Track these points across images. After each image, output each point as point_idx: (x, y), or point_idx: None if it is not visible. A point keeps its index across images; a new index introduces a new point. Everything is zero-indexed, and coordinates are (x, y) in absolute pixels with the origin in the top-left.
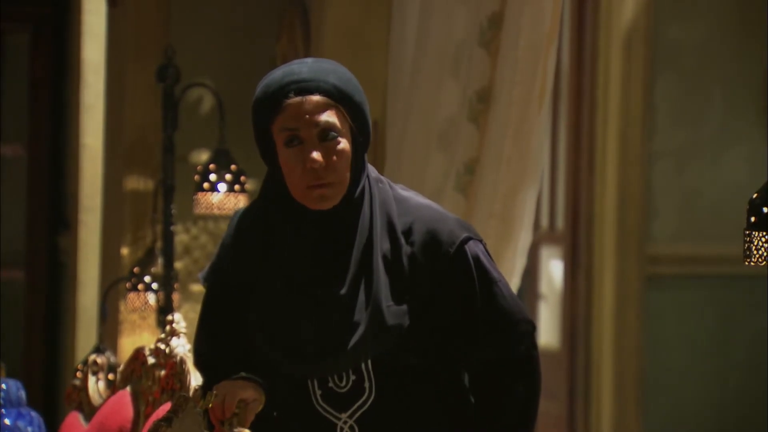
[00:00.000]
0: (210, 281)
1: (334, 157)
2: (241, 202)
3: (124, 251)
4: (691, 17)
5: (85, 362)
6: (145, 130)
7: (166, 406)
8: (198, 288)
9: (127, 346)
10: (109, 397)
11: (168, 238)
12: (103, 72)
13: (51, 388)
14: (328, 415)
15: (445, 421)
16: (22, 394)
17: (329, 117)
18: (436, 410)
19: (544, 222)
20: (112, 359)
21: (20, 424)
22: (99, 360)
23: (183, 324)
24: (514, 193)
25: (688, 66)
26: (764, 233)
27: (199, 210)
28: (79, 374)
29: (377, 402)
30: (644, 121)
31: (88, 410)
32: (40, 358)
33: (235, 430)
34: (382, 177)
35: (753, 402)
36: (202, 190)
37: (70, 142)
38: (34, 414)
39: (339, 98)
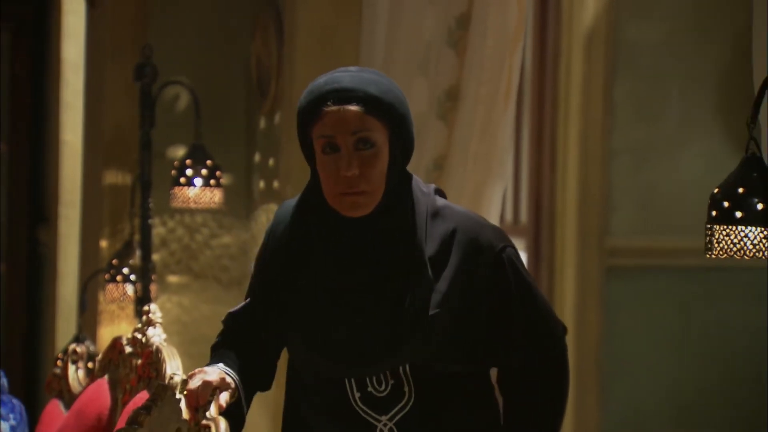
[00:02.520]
0: (256, 269)
1: (368, 167)
2: (216, 196)
3: (103, 244)
4: (650, 19)
5: (65, 351)
6: (123, 127)
7: (143, 394)
8: (174, 279)
9: (106, 335)
10: (88, 385)
11: (146, 231)
12: (82, 71)
13: (32, 377)
14: (368, 417)
15: (481, 425)
16: (4, 382)
17: (366, 127)
18: (472, 414)
19: (509, 215)
20: (91, 348)
21: (2, 411)
22: (78, 349)
23: (159, 314)
24: (481, 189)
25: (646, 66)
26: (725, 227)
27: (176, 204)
28: (59, 363)
29: (417, 406)
30: (604, 119)
31: (68, 398)
32: (21, 348)
33: (208, 415)
34: (427, 186)
35: (709, 388)
36: (179, 184)
37: (50, 138)
38: (15, 401)
39: (377, 109)
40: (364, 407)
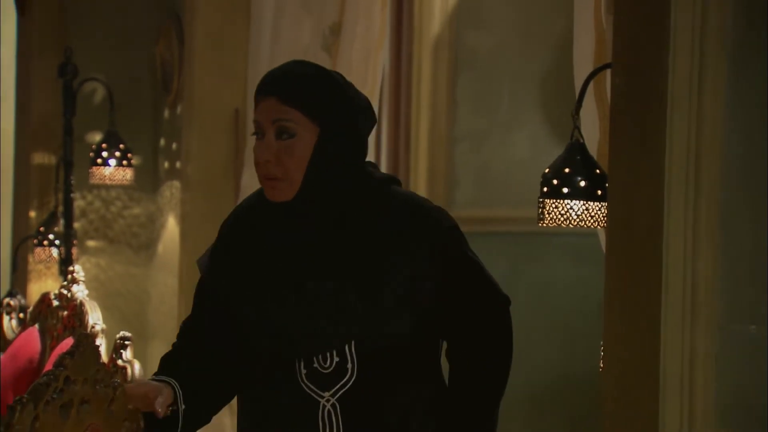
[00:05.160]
0: (203, 267)
1: (285, 156)
2: (128, 174)
3: (32, 214)
4: (485, 28)
5: (0, 304)
6: (49, 116)
7: (68, 341)
8: (92, 244)
9: (34, 291)
10: (20, 333)
11: (68, 203)
12: (14, 69)
13: None
14: (312, 393)
15: (422, 400)
16: None
17: (284, 117)
18: (414, 390)
19: None
20: (23, 302)
21: None
22: (12, 302)
23: (82, 274)
24: None
25: (482, 68)
26: (554, 200)
27: (94, 180)
28: None
29: (358, 382)
30: (448, 111)
31: (3, 344)
32: None
33: (124, 357)
34: (381, 174)
35: (533, 334)
36: (96, 164)
37: None
38: None
39: (296, 100)
40: (309, 383)
